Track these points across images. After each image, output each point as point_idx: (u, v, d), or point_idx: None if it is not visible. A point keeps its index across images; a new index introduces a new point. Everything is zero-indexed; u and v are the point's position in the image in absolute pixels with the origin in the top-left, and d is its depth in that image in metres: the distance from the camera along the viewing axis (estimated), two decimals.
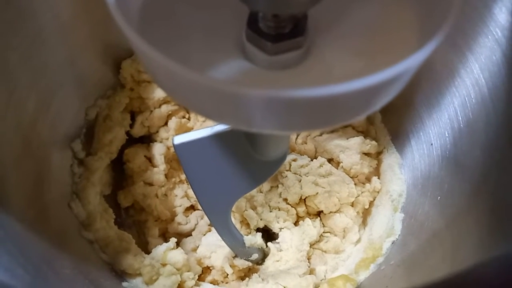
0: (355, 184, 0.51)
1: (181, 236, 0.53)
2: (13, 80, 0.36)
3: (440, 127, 0.43)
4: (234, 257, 0.49)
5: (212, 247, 0.49)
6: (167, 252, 0.45)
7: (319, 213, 0.52)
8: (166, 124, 0.55)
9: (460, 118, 0.40)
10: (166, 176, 0.53)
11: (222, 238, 0.44)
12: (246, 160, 0.37)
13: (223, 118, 0.23)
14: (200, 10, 0.26)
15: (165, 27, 0.25)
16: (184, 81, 0.19)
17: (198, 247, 0.50)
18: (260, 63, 0.24)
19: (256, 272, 0.49)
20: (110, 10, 0.20)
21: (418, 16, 0.24)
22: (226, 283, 0.49)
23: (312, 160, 0.52)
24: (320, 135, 0.54)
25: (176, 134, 0.53)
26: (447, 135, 0.42)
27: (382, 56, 0.24)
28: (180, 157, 0.37)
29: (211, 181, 0.38)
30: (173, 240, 0.47)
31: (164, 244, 0.46)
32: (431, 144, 0.45)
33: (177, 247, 0.47)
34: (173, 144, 0.36)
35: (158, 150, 0.53)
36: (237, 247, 0.47)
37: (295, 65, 0.24)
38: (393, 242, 0.46)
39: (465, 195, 0.38)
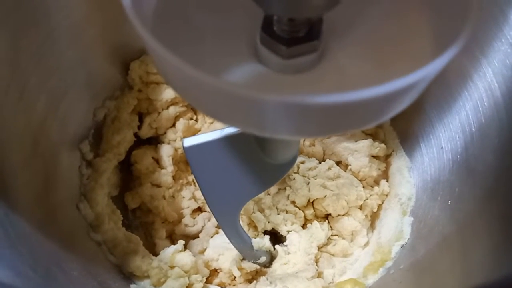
0: (363, 187, 0.51)
1: (188, 238, 0.53)
2: (23, 79, 0.36)
3: (451, 131, 0.43)
4: (242, 260, 0.48)
5: (219, 250, 0.48)
6: (175, 255, 0.45)
7: (327, 216, 0.52)
8: (174, 125, 0.55)
9: (472, 122, 0.40)
10: (173, 177, 0.53)
11: (230, 241, 0.44)
12: (256, 163, 0.37)
13: (234, 122, 0.23)
14: (213, 12, 0.26)
15: (178, 29, 0.25)
16: (198, 83, 0.19)
17: (205, 249, 0.50)
18: (274, 66, 0.24)
19: (264, 275, 0.49)
20: (125, 11, 0.20)
21: (433, 25, 0.23)
22: (234, 285, 0.49)
23: (320, 162, 0.52)
24: (329, 137, 0.54)
25: (184, 136, 0.54)
26: (458, 139, 0.42)
27: (396, 63, 0.23)
28: (189, 160, 0.36)
29: (220, 183, 0.38)
30: (181, 242, 0.47)
31: (172, 246, 0.46)
32: (442, 148, 0.45)
33: (185, 250, 0.46)
34: (183, 147, 0.35)
35: (165, 151, 0.53)
36: (245, 250, 0.46)
37: (309, 69, 0.24)
38: (402, 246, 0.46)
39: (476, 199, 0.37)
